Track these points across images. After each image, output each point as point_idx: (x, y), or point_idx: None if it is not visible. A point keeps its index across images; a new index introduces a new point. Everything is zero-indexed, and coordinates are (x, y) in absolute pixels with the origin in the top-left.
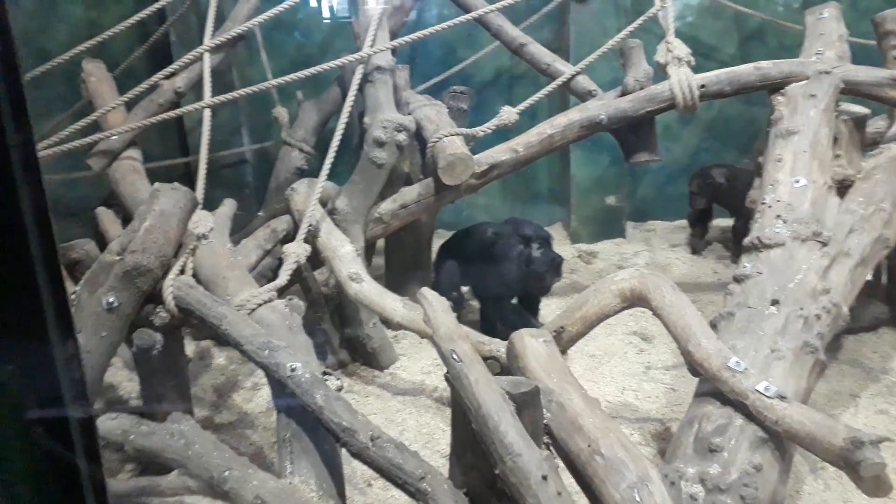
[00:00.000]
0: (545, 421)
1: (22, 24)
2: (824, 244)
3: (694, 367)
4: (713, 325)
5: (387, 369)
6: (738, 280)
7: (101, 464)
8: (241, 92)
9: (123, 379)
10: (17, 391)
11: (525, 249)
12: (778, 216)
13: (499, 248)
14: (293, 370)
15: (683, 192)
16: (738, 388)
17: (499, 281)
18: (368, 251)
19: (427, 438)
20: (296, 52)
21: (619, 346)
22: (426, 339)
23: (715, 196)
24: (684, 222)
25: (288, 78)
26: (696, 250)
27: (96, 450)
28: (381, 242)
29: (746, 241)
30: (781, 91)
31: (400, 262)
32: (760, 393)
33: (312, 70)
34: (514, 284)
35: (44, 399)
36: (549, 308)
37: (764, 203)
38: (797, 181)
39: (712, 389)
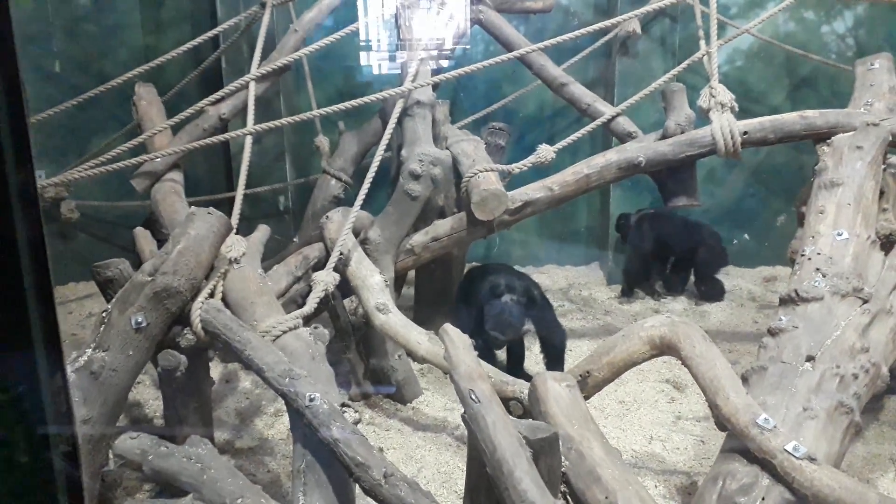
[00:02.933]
0: (563, 469)
1: (85, 48)
2: (865, 301)
3: (721, 422)
4: (744, 379)
5: (410, 403)
6: (772, 333)
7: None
8: (284, 121)
9: (150, 397)
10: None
11: (489, 299)
12: (817, 269)
13: (476, 293)
14: (312, 400)
15: (725, 238)
16: (765, 446)
17: (475, 327)
18: (399, 282)
19: (445, 477)
20: (342, 84)
21: (649, 393)
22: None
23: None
24: (726, 267)
25: (330, 109)
26: (624, 292)
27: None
28: (411, 273)
29: (783, 293)
30: (827, 141)
31: (429, 294)
32: (789, 453)
33: (354, 102)
34: (478, 333)
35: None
36: (580, 349)
37: (804, 255)
38: (839, 234)
39: (739, 446)
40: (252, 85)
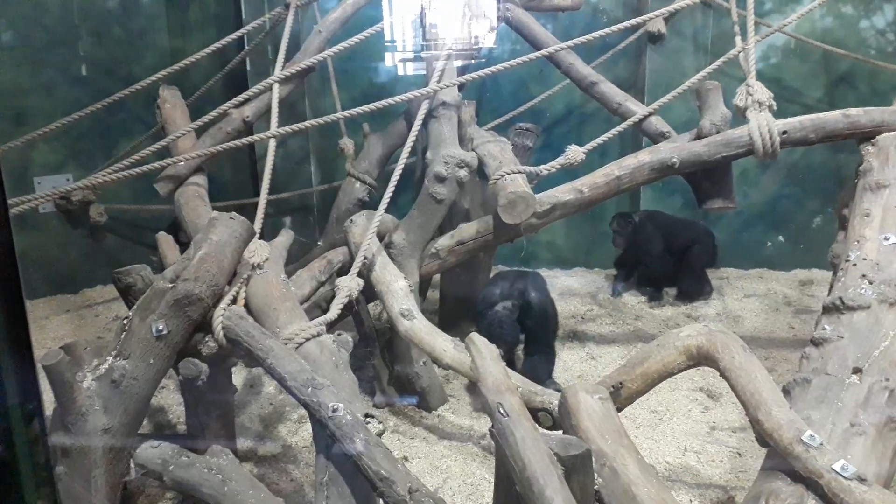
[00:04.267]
0: (596, 486)
1: (111, 52)
2: None
3: (762, 438)
4: (786, 392)
5: (435, 410)
6: (815, 343)
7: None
8: (308, 123)
9: (174, 402)
10: None
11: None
12: (863, 276)
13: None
14: (335, 411)
15: (759, 240)
16: (811, 465)
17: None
18: (424, 286)
19: (471, 490)
20: (367, 85)
21: (682, 402)
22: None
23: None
24: (760, 270)
25: (355, 111)
26: (614, 292)
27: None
28: (437, 277)
29: (827, 300)
30: (872, 141)
31: (455, 298)
32: (837, 473)
33: (379, 104)
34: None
35: None
36: (611, 355)
37: (848, 260)
38: (886, 238)
39: (782, 463)
40: (276, 87)
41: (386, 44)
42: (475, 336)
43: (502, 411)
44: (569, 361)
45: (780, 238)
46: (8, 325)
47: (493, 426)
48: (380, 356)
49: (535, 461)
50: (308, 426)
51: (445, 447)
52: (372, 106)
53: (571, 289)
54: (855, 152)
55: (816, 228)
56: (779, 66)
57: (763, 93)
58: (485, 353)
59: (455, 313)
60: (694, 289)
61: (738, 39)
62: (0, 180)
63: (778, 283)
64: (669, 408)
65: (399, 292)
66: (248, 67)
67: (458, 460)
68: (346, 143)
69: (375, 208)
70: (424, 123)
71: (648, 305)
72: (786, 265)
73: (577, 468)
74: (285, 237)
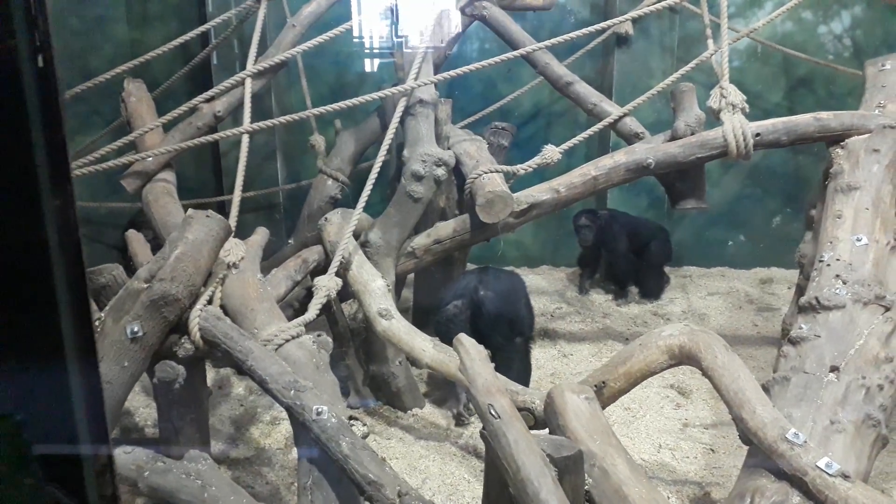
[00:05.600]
0: (586, 487)
1: (68, 43)
2: (887, 308)
3: (746, 436)
4: (766, 390)
5: (410, 410)
6: (793, 342)
7: None
8: (282, 119)
9: (140, 404)
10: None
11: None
12: (837, 276)
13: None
14: (319, 414)
15: (721, 239)
16: (796, 463)
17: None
18: (398, 284)
19: (451, 490)
20: (334, 81)
21: (654, 399)
22: (453, 381)
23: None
24: (722, 269)
25: (329, 107)
26: (581, 289)
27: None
28: (410, 276)
29: (803, 300)
30: (841, 144)
31: (428, 297)
32: (822, 470)
33: (356, 100)
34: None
35: (57, 434)
36: (582, 353)
37: (822, 261)
38: (858, 239)
39: (764, 460)
40: (248, 82)
41: (355, 39)
42: (463, 337)
43: (494, 413)
44: (541, 359)
45: (741, 237)
46: (76, 334)
47: (483, 428)
48: (354, 356)
49: (528, 463)
50: (280, 428)
51: (423, 447)
52: (348, 102)
53: (539, 287)
54: (813, 154)
55: (776, 228)
56: (741, 70)
57: (737, 95)
58: (473, 354)
59: (428, 312)
60: (656, 285)
61: (710, 42)
62: (70, 190)
63: (739, 282)
64: (642, 405)
65: (377, 292)
66: (214, 61)
67: (437, 460)
68: (318, 140)
69: (347, 206)
70: (401, 121)
71: (615, 303)
72: (746, 264)
73: (569, 469)
74: (261, 235)
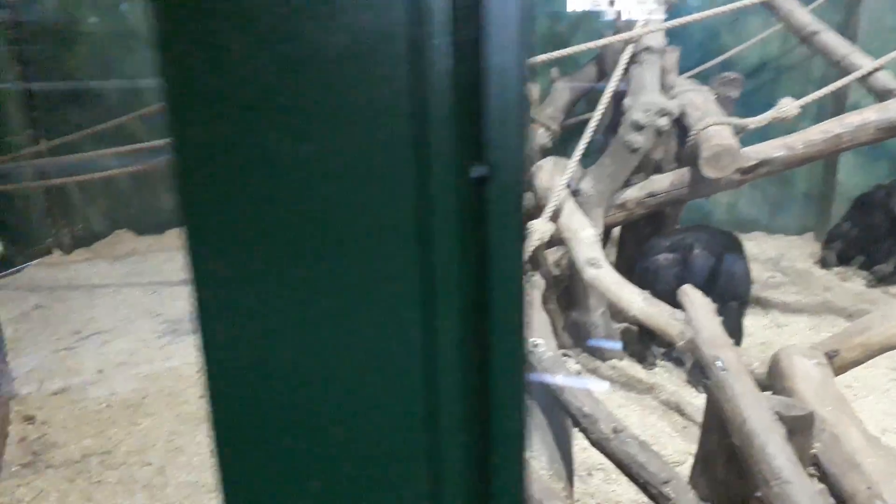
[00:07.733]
0: (813, 451)
1: None
2: None
3: None
4: None
5: (608, 361)
6: None
7: None
8: None
9: None
10: None
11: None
12: None
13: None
14: (535, 346)
15: None
16: None
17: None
18: (603, 238)
19: (652, 441)
20: (546, 30)
21: (880, 380)
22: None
23: None
24: None
25: (551, 55)
26: (827, 263)
27: None
28: (616, 231)
29: None
30: None
31: (634, 255)
32: None
33: (582, 47)
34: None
35: None
36: (797, 325)
37: None
38: None
39: None
40: None
41: None
42: (688, 288)
43: (720, 365)
44: (751, 328)
45: None
46: None
47: (707, 379)
48: (556, 301)
49: (754, 417)
50: None
51: (622, 397)
52: (571, 50)
53: (751, 254)
54: None
55: None
56: None
57: None
58: (699, 307)
59: (632, 271)
60: None
61: None
62: None
63: None
64: (865, 385)
65: (587, 240)
66: None
67: (637, 410)
68: (531, 89)
69: (556, 155)
70: (624, 69)
71: (838, 277)
72: None
73: (798, 429)
74: None
